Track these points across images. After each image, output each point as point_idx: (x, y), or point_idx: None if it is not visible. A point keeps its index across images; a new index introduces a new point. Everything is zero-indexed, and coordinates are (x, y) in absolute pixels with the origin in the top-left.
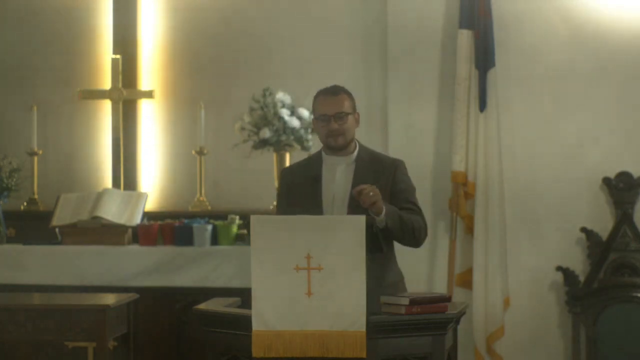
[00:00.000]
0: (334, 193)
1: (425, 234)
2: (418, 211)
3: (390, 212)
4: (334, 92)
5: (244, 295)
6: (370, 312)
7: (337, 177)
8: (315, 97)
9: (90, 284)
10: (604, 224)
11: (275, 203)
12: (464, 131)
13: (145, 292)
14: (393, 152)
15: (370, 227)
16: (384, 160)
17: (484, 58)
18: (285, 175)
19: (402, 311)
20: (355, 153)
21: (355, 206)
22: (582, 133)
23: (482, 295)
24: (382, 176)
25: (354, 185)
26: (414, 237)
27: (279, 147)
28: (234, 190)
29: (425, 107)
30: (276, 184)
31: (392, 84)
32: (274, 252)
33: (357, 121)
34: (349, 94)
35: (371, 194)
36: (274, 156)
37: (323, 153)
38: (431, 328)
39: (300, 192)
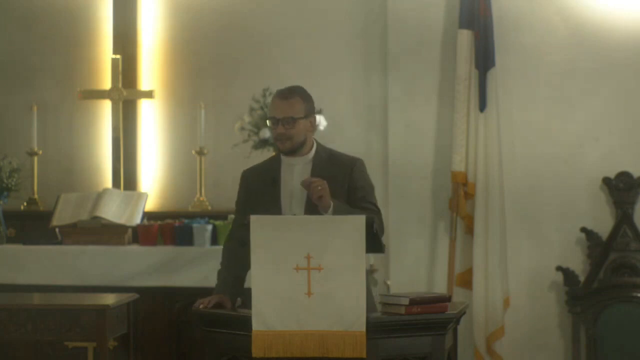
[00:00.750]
0: (291, 192)
1: (383, 231)
2: (376, 210)
3: (339, 209)
4: (287, 95)
5: (244, 295)
6: None
7: (295, 177)
8: (272, 98)
9: (90, 284)
10: (604, 224)
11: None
12: (464, 131)
13: (145, 292)
14: (393, 152)
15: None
16: (342, 159)
17: (484, 58)
18: (245, 177)
19: (402, 311)
20: (312, 152)
21: (312, 205)
22: (582, 133)
23: (482, 295)
24: (339, 174)
25: None
26: (371, 234)
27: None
28: (234, 190)
29: (425, 107)
30: None
31: (392, 84)
32: (274, 252)
33: (312, 124)
34: (304, 97)
35: (319, 187)
36: None
37: (281, 154)
38: (431, 328)
39: (259, 193)
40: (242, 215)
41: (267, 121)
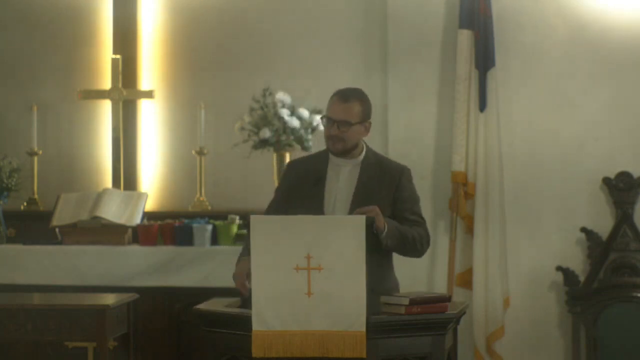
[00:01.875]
0: (336, 194)
1: (428, 245)
2: (422, 222)
3: (392, 230)
4: (346, 98)
5: (244, 296)
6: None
7: (341, 178)
8: (331, 96)
9: (90, 284)
10: (604, 224)
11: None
12: (464, 131)
13: (145, 292)
14: (393, 152)
15: (370, 226)
16: (390, 166)
17: (484, 58)
18: (291, 169)
19: (402, 311)
20: (362, 156)
21: (356, 209)
22: (582, 133)
23: (482, 295)
24: (386, 181)
25: (357, 187)
26: (416, 250)
27: (279, 147)
28: (234, 190)
29: (425, 107)
30: (276, 183)
31: (392, 84)
32: (274, 252)
33: (366, 129)
34: (364, 101)
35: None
36: (274, 156)
37: (330, 152)
38: (431, 328)
39: (302, 190)
40: (279, 205)
41: (321, 118)
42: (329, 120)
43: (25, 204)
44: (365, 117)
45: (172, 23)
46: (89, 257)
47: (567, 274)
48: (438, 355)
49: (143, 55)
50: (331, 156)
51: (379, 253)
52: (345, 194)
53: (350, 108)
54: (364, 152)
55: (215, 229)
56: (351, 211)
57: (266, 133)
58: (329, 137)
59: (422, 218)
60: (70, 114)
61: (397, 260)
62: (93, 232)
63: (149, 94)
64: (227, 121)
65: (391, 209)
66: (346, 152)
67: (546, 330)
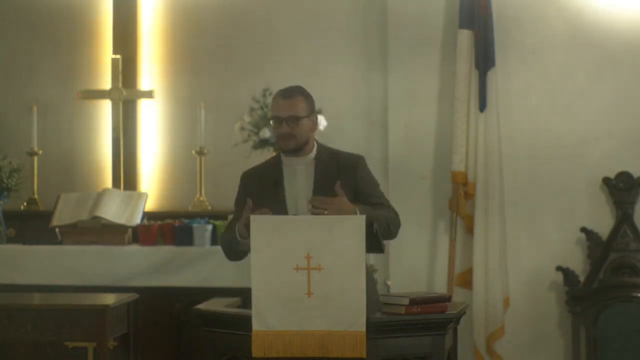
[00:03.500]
0: (296, 193)
1: (399, 224)
2: (387, 204)
3: (366, 211)
4: (289, 94)
5: (244, 295)
6: None
7: (298, 177)
8: (273, 98)
9: (90, 284)
10: (604, 224)
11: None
12: (464, 131)
13: (145, 292)
14: (393, 152)
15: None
16: (344, 157)
17: (484, 58)
18: (246, 179)
19: (402, 311)
20: (314, 152)
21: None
22: (582, 133)
23: (482, 295)
24: (343, 173)
25: (315, 183)
26: (389, 231)
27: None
28: (234, 190)
29: (425, 107)
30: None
31: (392, 84)
32: (274, 252)
33: (314, 124)
34: (306, 96)
35: (336, 207)
36: None
37: (282, 155)
38: (431, 328)
39: (262, 195)
40: (238, 220)
41: (270, 121)
42: (276, 120)
43: (25, 204)
44: (311, 110)
45: (172, 23)
46: (89, 257)
47: (567, 274)
48: (438, 355)
49: (143, 55)
50: (284, 158)
51: None
52: (304, 192)
53: (294, 103)
54: (315, 149)
55: (215, 229)
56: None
57: (266, 133)
58: (280, 137)
59: (387, 200)
60: (70, 114)
61: (397, 260)
62: (93, 232)
63: (149, 94)
64: (227, 121)
65: (352, 199)
66: (299, 149)
67: (546, 330)
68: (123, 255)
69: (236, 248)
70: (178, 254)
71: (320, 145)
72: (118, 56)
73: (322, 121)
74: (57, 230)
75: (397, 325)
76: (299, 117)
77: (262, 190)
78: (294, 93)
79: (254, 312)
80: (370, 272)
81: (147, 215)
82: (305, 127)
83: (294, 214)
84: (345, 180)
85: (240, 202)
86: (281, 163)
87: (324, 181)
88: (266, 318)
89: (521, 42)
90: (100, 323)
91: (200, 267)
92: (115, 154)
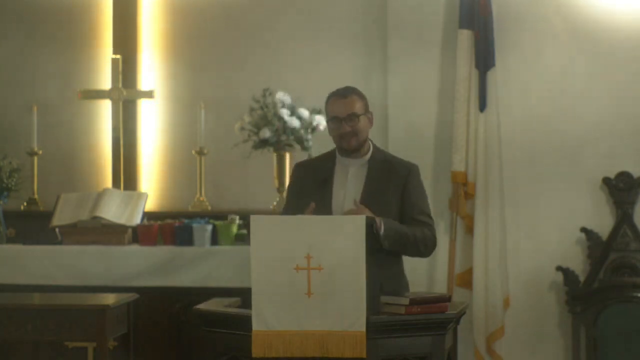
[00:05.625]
0: (344, 194)
1: (434, 246)
2: (429, 223)
3: (388, 231)
4: (345, 94)
5: (244, 295)
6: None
7: (349, 178)
8: (327, 100)
9: (90, 284)
10: (604, 224)
11: (276, 201)
12: (464, 131)
13: (145, 292)
14: (393, 152)
15: (370, 226)
16: (398, 164)
17: (484, 58)
18: (299, 170)
19: (402, 311)
20: (369, 155)
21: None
22: (582, 133)
23: (482, 295)
24: (394, 180)
25: (365, 186)
26: (419, 251)
27: (279, 147)
28: (234, 190)
29: (425, 107)
30: (276, 183)
31: (392, 84)
32: (274, 252)
33: (370, 121)
34: (361, 95)
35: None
36: (274, 156)
37: (337, 153)
38: (431, 328)
39: (310, 191)
40: (292, 208)
41: (328, 123)
42: (335, 120)
43: (25, 204)
44: (367, 108)
45: (172, 23)
46: (89, 257)
47: (567, 274)
48: (438, 355)
49: (143, 55)
50: (338, 156)
51: (386, 252)
52: (353, 193)
53: (352, 102)
54: (370, 151)
55: (215, 229)
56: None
57: (266, 133)
58: (341, 137)
59: (430, 218)
60: (70, 114)
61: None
62: (93, 232)
63: (149, 94)
64: (227, 121)
65: (399, 207)
66: (360, 147)
67: (546, 330)
68: (123, 255)
69: None
70: (178, 254)
71: (375, 148)
72: (118, 56)
73: (322, 121)
74: (57, 230)
75: (397, 325)
76: (358, 114)
77: (312, 184)
78: (349, 92)
79: (254, 312)
80: (408, 284)
81: (147, 215)
82: (365, 124)
83: (339, 214)
84: (394, 185)
85: (293, 191)
86: (335, 160)
87: (374, 185)
88: (266, 318)
89: (521, 42)
90: (100, 323)
91: (200, 267)
92: (115, 154)
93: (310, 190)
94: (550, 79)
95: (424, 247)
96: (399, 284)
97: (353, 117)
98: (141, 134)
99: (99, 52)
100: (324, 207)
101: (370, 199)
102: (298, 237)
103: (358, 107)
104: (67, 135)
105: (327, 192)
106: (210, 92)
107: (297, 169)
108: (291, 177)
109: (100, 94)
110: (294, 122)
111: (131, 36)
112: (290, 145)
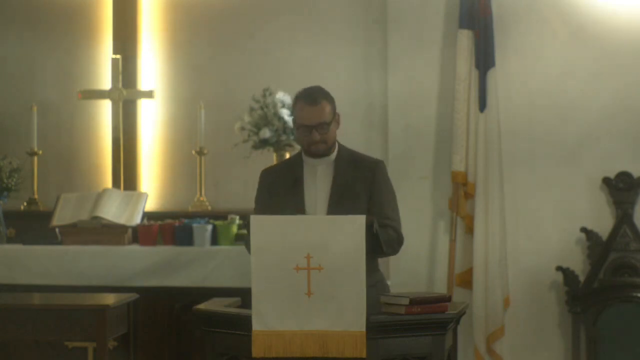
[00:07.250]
0: (316, 192)
1: (399, 243)
2: (392, 225)
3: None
4: (314, 100)
5: (244, 295)
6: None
7: (318, 177)
8: (295, 104)
9: (90, 284)
10: (604, 224)
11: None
12: (464, 131)
13: (145, 292)
14: (393, 152)
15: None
16: (364, 161)
17: (484, 58)
18: (265, 176)
19: (402, 311)
20: (335, 153)
21: (334, 205)
22: (582, 133)
23: (482, 295)
24: (361, 177)
25: (333, 185)
26: (382, 252)
27: (279, 147)
28: (234, 190)
29: (425, 107)
30: None
31: (392, 83)
32: (274, 252)
33: (337, 123)
34: (329, 98)
35: None
36: (274, 156)
37: (303, 155)
38: (431, 328)
39: (281, 194)
40: (264, 213)
41: (296, 128)
42: (304, 129)
43: (25, 204)
44: (334, 110)
45: (172, 23)
46: (89, 257)
47: (567, 274)
48: (438, 355)
49: (143, 55)
50: (305, 157)
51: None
52: (323, 192)
53: (322, 109)
54: (336, 150)
55: (215, 229)
56: (329, 209)
57: (266, 133)
58: (310, 144)
59: (397, 217)
60: (70, 114)
61: (398, 260)
62: (93, 232)
63: (149, 94)
64: (227, 121)
65: (367, 203)
66: (328, 151)
67: (546, 330)
68: (123, 255)
69: None
70: (178, 254)
71: (341, 147)
72: (118, 56)
73: None
74: (57, 230)
75: (397, 325)
76: (328, 122)
77: (282, 188)
78: (319, 98)
79: (254, 312)
80: (384, 278)
81: (147, 215)
82: (333, 131)
83: (312, 214)
84: (361, 182)
85: (260, 199)
86: (302, 162)
87: (342, 183)
88: (266, 318)
89: (521, 42)
90: (100, 323)
91: (200, 267)
92: (115, 154)
93: (282, 192)
94: (550, 79)
95: (388, 249)
96: (383, 289)
97: (324, 125)
98: (141, 133)
99: (99, 52)
100: (298, 209)
101: (339, 196)
102: (298, 237)
103: (327, 113)
104: (67, 135)
105: (299, 192)
106: (210, 92)
107: (265, 175)
108: (259, 184)
109: (100, 94)
110: None
111: (131, 36)
112: (290, 146)
